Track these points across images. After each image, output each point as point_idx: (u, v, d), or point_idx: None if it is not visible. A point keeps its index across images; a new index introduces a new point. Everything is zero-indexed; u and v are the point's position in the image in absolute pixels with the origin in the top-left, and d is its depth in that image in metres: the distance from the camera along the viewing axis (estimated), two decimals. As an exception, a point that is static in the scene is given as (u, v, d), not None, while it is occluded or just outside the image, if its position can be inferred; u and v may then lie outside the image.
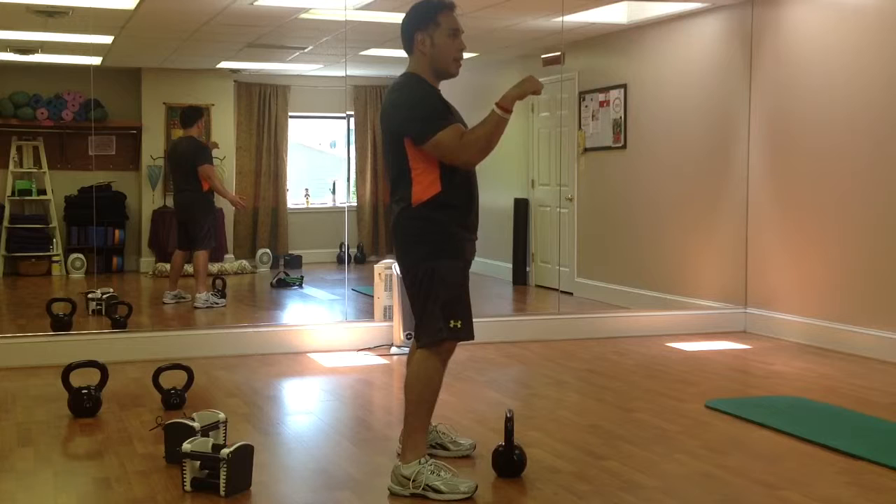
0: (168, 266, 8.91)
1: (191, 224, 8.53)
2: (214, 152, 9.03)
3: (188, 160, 8.48)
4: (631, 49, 8.76)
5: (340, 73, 8.64)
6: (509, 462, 3.88)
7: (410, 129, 3.62)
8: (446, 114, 3.64)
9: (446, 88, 3.78)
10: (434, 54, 3.69)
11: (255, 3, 7.22)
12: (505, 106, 3.57)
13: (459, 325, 3.67)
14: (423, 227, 3.67)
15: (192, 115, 8.64)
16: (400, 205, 3.71)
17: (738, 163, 7.65)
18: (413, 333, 3.88)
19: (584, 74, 9.28)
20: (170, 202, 9.26)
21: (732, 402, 5.16)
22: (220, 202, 9.13)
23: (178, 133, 9.43)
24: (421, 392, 3.70)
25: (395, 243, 3.82)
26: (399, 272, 3.86)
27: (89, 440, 4.51)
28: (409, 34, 3.72)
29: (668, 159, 8.34)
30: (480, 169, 3.81)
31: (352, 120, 11.04)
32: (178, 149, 8.75)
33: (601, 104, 9.03)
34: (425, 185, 3.64)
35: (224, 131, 10.14)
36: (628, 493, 3.70)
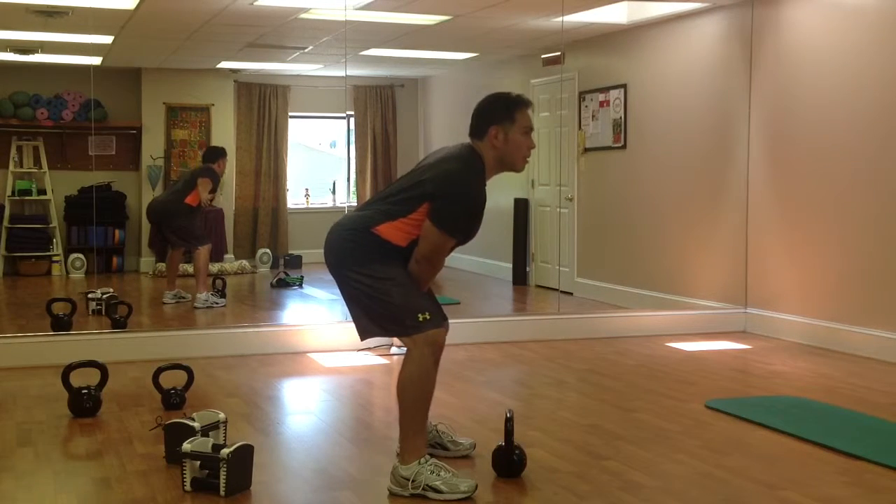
0: (168, 266, 8.93)
1: (164, 226, 8.72)
2: None
3: (192, 173, 8.73)
4: (631, 49, 8.76)
5: (340, 73, 8.63)
6: (509, 462, 3.88)
7: (437, 205, 3.60)
8: (470, 225, 3.68)
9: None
10: (505, 149, 3.74)
11: (255, 3, 7.22)
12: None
13: (429, 317, 3.67)
14: (366, 241, 3.67)
15: (216, 153, 8.83)
16: (361, 220, 3.71)
17: (738, 163, 7.65)
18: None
19: (584, 74, 9.28)
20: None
21: (732, 402, 5.16)
22: (220, 202, 9.13)
23: (179, 133, 9.56)
24: (415, 394, 3.69)
25: (332, 254, 3.76)
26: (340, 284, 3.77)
27: (89, 440, 4.51)
28: (484, 125, 3.76)
29: (668, 159, 8.34)
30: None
31: (352, 120, 11.03)
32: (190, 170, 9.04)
33: (601, 104, 9.03)
34: (399, 233, 3.66)
35: (224, 131, 10.13)
36: (628, 493, 3.70)
